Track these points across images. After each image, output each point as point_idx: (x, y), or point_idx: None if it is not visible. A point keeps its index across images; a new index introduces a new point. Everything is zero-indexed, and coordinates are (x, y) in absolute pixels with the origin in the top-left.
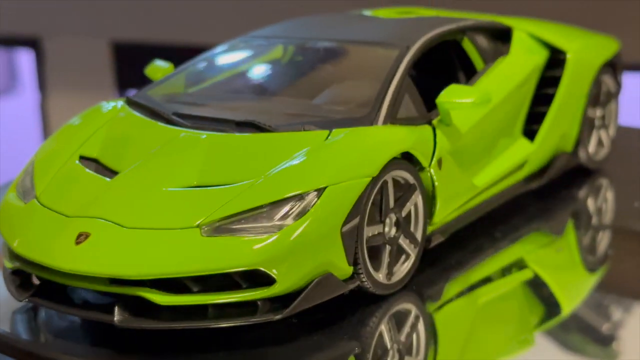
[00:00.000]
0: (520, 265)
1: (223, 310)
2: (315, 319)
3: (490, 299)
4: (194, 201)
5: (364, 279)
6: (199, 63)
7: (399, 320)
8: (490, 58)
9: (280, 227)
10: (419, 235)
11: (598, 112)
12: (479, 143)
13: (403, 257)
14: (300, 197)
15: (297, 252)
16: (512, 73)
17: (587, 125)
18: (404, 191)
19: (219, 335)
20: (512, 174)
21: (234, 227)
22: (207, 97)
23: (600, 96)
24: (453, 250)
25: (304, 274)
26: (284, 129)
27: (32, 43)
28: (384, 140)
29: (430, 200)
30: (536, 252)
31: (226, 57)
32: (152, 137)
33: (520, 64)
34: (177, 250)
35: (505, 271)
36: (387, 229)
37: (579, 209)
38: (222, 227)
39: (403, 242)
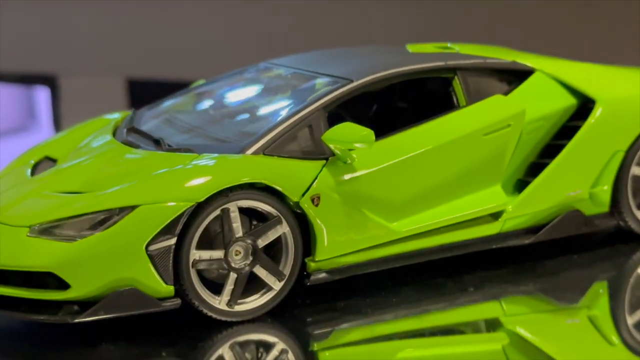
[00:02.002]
0: (491, 327)
1: (36, 305)
2: (167, 337)
3: (429, 355)
4: (47, 203)
5: (193, 302)
6: (199, 87)
7: (260, 349)
8: (480, 99)
9: (84, 237)
10: (286, 270)
11: None
12: (401, 187)
13: (265, 288)
14: (114, 211)
15: (92, 262)
16: (476, 118)
17: (632, 187)
18: (264, 222)
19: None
20: (476, 225)
21: (56, 231)
22: (178, 113)
23: None
24: (387, 298)
25: (102, 285)
26: (175, 149)
27: (48, 80)
28: (228, 169)
29: (314, 237)
30: (523, 317)
31: (222, 81)
32: (98, 146)
33: (500, 109)
34: (3, 245)
35: (465, 330)
36: (233, 257)
37: (614, 279)
38: (48, 229)
39: (259, 272)
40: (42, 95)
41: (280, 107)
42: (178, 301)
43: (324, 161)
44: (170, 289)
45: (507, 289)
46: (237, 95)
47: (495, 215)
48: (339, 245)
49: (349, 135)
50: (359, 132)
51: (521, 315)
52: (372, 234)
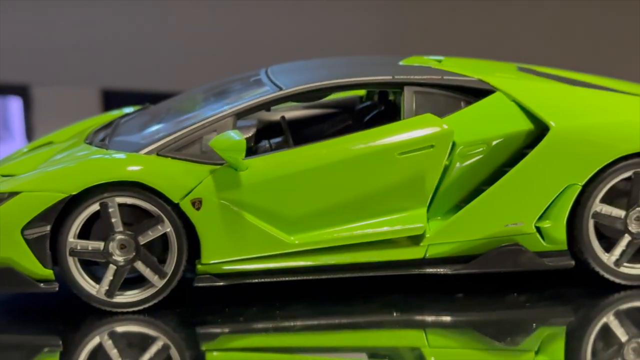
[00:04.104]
0: (411, 357)
1: None
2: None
3: None
4: None
5: (70, 288)
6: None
7: (140, 341)
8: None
9: None
10: (169, 269)
11: (633, 215)
12: (299, 199)
13: (148, 284)
14: (4, 195)
15: None
16: (393, 136)
17: (595, 225)
18: (146, 219)
19: None
20: (395, 247)
21: None
22: (151, 114)
23: (632, 194)
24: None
25: None
26: (99, 145)
27: (21, 90)
28: (106, 165)
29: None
30: (449, 351)
31: (210, 85)
32: (72, 139)
33: (423, 128)
34: None
35: (375, 356)
36: (115, 249)
37: (570, 324)
38: None
39: (140, 267)
40: (14, 105)
41: (206, 111)
42: (56, 285)
43: (215, 167)
44: (49, 273)
45: (432, 318)
46: (199, 98)
47: (415, 240)
48: (224, 250)
49: (221, 143)
50: (229, 140)
51: (447, 349)
52: (262, 243)
